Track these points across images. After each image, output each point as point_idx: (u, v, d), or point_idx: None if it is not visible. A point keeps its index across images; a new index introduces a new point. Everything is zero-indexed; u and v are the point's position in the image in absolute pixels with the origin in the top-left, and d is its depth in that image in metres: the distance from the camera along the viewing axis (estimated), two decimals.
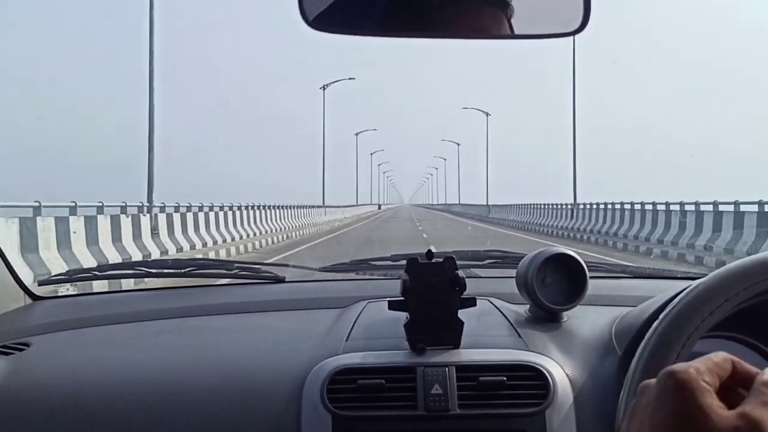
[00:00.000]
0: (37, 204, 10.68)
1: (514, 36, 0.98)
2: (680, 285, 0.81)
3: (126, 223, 12.90)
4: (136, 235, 13.17)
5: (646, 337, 0.78)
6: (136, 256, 12.28)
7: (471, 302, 1.18)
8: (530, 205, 32.70)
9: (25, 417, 1.11)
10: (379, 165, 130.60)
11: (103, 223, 12.03)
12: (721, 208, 15.10)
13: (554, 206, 28.35)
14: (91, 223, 11.59)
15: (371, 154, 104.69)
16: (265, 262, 2.30)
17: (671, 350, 0.75)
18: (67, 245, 10.59)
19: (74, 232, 10.84)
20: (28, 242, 9.61)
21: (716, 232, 14.71)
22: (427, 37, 0.98)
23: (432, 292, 1.16)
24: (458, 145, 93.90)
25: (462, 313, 1.18)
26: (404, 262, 1.19)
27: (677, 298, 0.78)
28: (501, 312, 1.38)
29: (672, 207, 17.35)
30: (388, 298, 1.21)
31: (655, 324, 0.78)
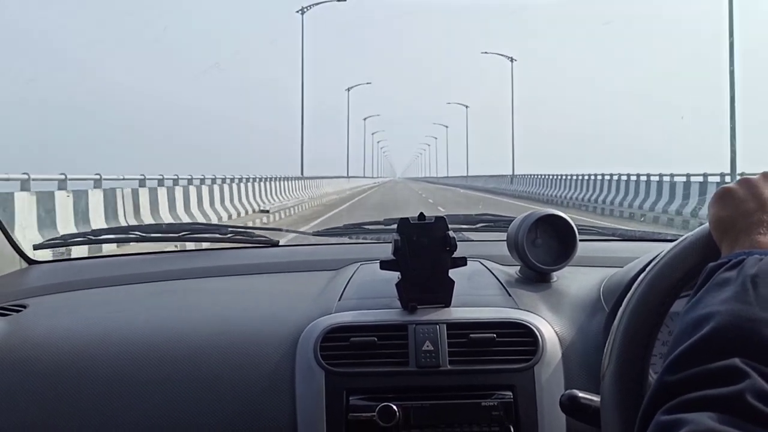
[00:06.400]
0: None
1: None
2: (669, 246, 0.82)
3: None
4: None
5: (628, 295, 0.79)
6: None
7: (461, 262, 1.20)
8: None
9: (23, 375, 1.13)
10: (373, 134, 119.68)
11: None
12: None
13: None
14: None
15: (364, 119, 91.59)
16: (258, 226, 2.31)
17: (650, 307, 0.76)
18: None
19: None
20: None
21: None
22: None
23: (423, 251, 1.18)
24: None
25: (453, 273, 1.19)
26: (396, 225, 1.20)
27: (658, 257, 0.80)
28: (491, 272, 1.39)
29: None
30: (380, 259, 1.23)
31: (636, 282, 0.79)
